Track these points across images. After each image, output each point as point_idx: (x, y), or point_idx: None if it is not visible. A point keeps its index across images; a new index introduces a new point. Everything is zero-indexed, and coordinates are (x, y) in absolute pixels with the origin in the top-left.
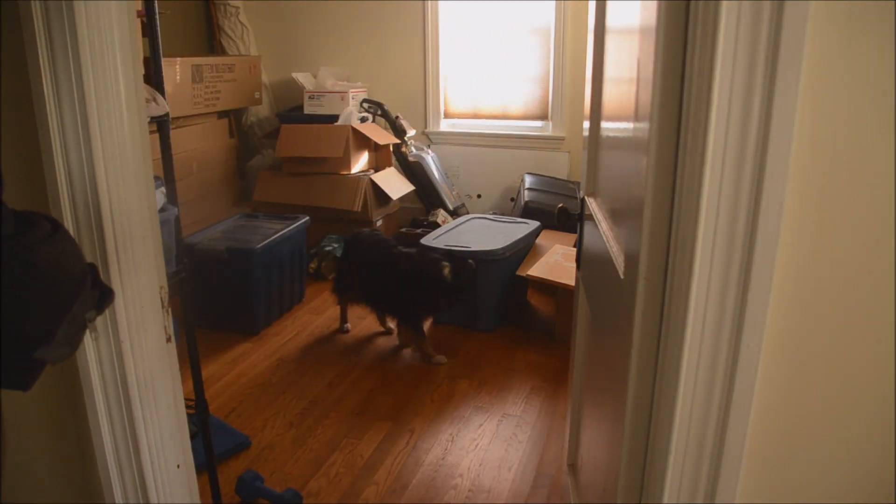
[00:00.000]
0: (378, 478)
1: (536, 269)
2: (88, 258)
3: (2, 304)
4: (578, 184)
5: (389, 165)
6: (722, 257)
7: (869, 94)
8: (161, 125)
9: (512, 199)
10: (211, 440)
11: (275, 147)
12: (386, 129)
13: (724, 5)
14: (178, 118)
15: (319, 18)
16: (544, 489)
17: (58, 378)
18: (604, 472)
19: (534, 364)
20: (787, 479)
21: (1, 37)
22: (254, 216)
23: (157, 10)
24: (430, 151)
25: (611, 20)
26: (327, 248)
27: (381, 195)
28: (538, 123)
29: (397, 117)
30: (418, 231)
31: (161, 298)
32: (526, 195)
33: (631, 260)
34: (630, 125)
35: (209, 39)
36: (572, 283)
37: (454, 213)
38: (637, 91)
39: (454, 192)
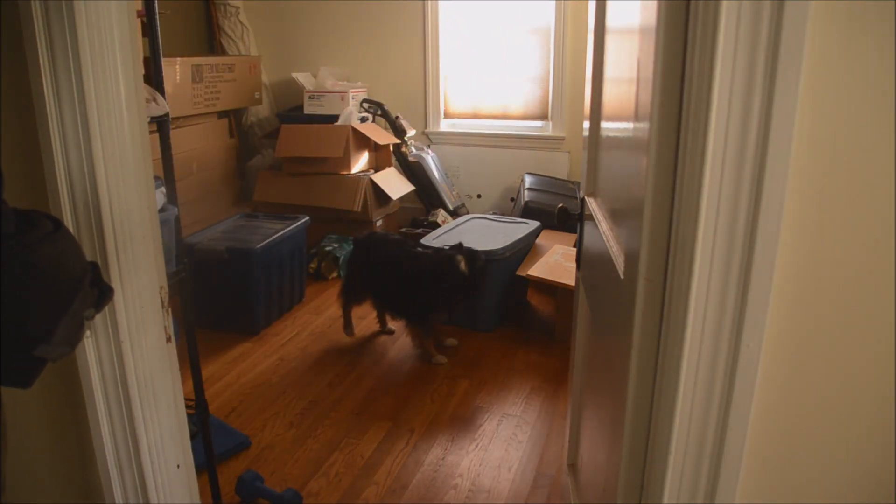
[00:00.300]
0: (378, 478)
1: (536, 269)
2: (88, 258)
3: (2, 302)
4: (578, 184)
5: (389, 165)
6: (722, 257)
7: (869, 93)
8: (161, 125)
9: (512, 199)
10: (211, 440)
11: (275, 147)
12: (386, 129)
13: (724, 5)
14: (178, 118)
15: (319, 18)
16: (544, 489)
17: (58, 378)
18: (604, 472)
19: (534, 364)
20: (787, 479)
21: (1, 37)
22: (254, 216)
23: (157, 10)
24: (430, 151)
25: (611, 20)
26: (327, 248)
27: (381, 195)
28: (538, 123)
29: (397, 117)
30: (418, 231)
31: (161, 298)
32: (526, 195)
33: (631, 260)
34: (630, 125)
35: (209, 39)
36: (572, 283)
37: (454, 213)
38: (637, 91)
39: (454, 192)
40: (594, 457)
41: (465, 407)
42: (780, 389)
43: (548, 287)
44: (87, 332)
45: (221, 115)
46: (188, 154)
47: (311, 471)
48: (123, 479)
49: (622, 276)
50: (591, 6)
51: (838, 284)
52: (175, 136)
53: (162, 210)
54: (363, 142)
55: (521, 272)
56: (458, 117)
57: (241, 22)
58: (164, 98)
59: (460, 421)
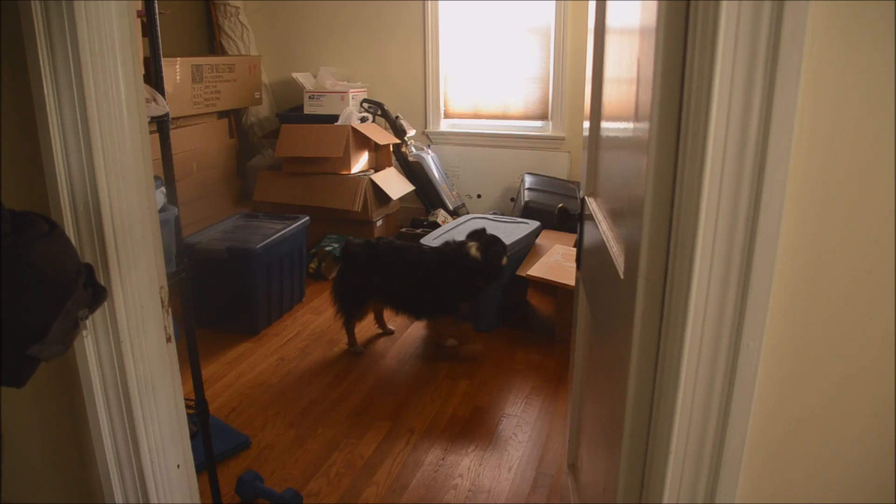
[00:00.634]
0: (378, 478)
1: (536, 269)
2: (88, 258)
3: None
4: (578, 184)
5: (389, 165)
6: (722, 257)
7: (869, 93)
8: (161, 125)
9: (512, 199)
10: (211, 440)
11: (275, 147)
12: (386, 129)
13: (724, 5)
14: (178, 118)
15: (319, 18)
16: (544, 489)
17: (57, 378)
18: (604, 472)
19: (534, 364)
20: (787, 479)
21: (1, 37)
22: (254, 216)
23: (157, 10)
24: (430, 151)
25: (611, 20)
26: (327, 248)
27: (381, 195)
28: (538, 123)
29: (397, 117)
30: (418, 231)
31: (161, 298)
32: (526, 195)
33: (631, 260)
34: (630, 125)
35: (209, 39)
36: (572, 283)
37: (454, 213)
38: (637, 91)
39: (454, 192)
40: (594, 457)
41: (465, 407)
42: (780, 389)
43: (548, 287)
44: (86, 332)
45: (221, 115)
46: (188, 154)
47: (311, 471)
48: (123, 479)
49: (622, 276)
50: (591, 6)
51: (838, 284)
52: (175, 136)
53: (162, 210)
54: (363, 142)
55: (521, 272)
56: (458, 117)
57: (241, 22)
58: (164, 98)
59: (460, 421)
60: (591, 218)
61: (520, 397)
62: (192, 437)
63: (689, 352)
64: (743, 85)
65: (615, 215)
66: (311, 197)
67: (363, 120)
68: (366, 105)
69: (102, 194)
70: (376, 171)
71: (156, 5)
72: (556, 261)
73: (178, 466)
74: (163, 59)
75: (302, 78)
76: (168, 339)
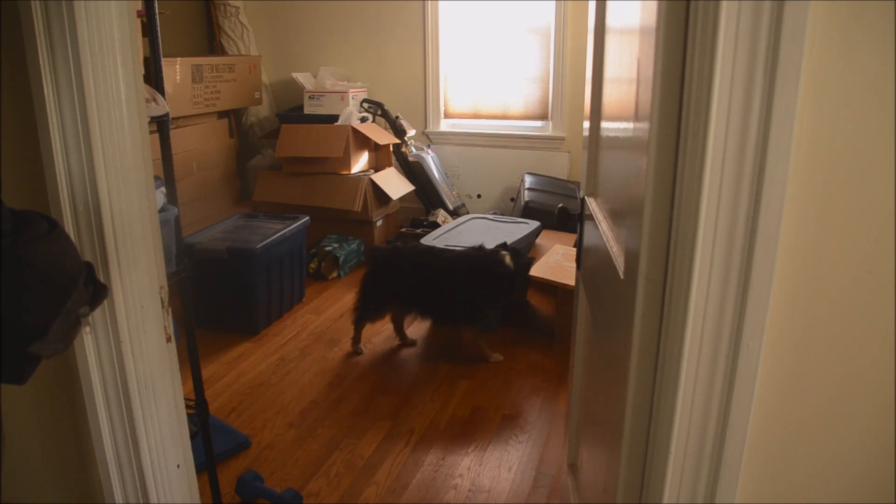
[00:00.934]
0: (378, 478)
1: (536, 269)
2: (88, 258)
3: None
4: (578, 184)
5: (389, 165)
6: (722, 257)
7: (869, 93)
8: (161, 125)
9: (512, 199)
10: (211, 440)
11: (275, 147)
12: (386, 129)
13: (724, 5)
14: (178, 118)
15: (319, 18)
16: (544, 489)
17: (57, 378)
18: (604, 472)
19: (534, 364)
20: (787, 479)
21: (1, 37)
22: (254, 216)
23: (157, 10)
24: (430, 151)
25: (611, 20)
26: (327, 248)
27: (381, 195)
28: (538, 123)
29: (397, 117)
30: (418, 231)
31: (161, 298)
32: (526, 195)
33: (631, 260)
34: (630, 125)
35: (209, 39)
36: (572, 283)
37: (454, 213)
38: (637, 91)
39: (454, 192)
40: (594, 457)
41: (465, 407)
42: (780, 389)
43: (548, 287)
44: (87, 330)
45: (221, 115)
46: (188, 154)
47: (311, 471)
48: (123, 479)
49: (622, 276)
50: (591, 6)
51: (838, 284)
52: (175, 136)
53: (162, 210)
54: (363, 142)
55: None
56: (458, 117)
57: (241, 22)
58: (164, 98)
59: (460, 421)
60: (591, 218)
61: (520, 397)
62: (192, 437)
63: (689, 352)
64: (743, 85)
65: (615, 215)
66: (311, 197)
67: (363, 120)
68: (366, 105)
69: (102, 194)
70: (376, 171)
71: (156, 5)
72: (556, 261)
73: (178, 466)
74: (163, 59)
75: (302, 78)
76: (168, 339)
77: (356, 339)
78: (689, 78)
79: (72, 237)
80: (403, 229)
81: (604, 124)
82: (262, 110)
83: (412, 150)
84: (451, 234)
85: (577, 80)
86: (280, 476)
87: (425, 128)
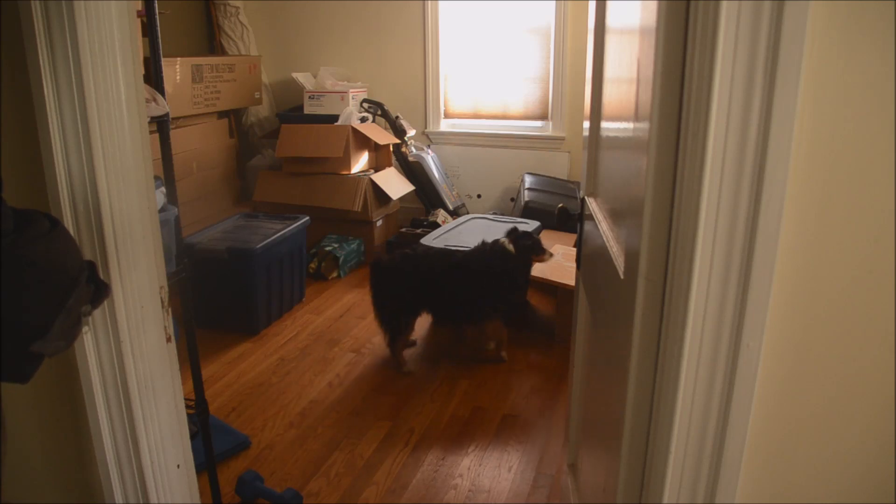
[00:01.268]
0: (378, 478)
1: (536, 269)
2: (88, 258)
3: (0, 298)
4: (578, 184)
5: (389, 165)
6: (722, 257)
7: (869, 93)
8: (161, 125)
9: (512, 199)
10: (211, 440)
11: (275, 147)
12: (386, 129)
13: (724, 5)
14: (178, 118)
15: (319, 18)
16: (544, 489)
17: (58, 378)
18: (604, 472)
19: (534, 364)
20: (787, 479)
21: (1, 37)
22: (254, 216)
23: (157, 10)
24: (430, 151)
25: (611, 20)
26: (327, 248)
27: (381, 195)
28: (538, 123)
29: (397, 117)
30: (418, 231)
31: (161, 298)
32: (526, 195)
33: (631, 260)
34: (630, 125)
35: (209, 39)
36: (572, 283)
37: (454, 213)
38: (637, 91)
39: (454, 192)
40: (594, 457)
41: (465, 407)
42: (780, 389)
43: (548, 287)
44: (87, 329)
45: (221, 115)
46: (188, 154)
47: (311, 471)
48: (123, 479)
49: (622, 276)
50: (591, 6)
51: (838, 284)
52: (175, 136)
53: (162, 210)
54: (363, 142)
55: None
56: (458, 117)
57: (241, 22)
58: (164, 98)
59: (460, 421)
60: (591, 218)
61: (520, 397)
62: (192, 437)
63: (689, 352)
64: (743, 85)
65: (615, 215)
66: (311, 197)
67: (363, 120)
68: (366, 105)
69: (102, 194)
70: (376, 171)
71: (156, 5)
72: (556, 261)
73: (178, 466)
74: (163, 59)
75: (302, 78)
76: (168, 339)
77: (401, 362)
78: (689, 78)
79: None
80: (403, 229)
81: (604, 124)
82: (262, 110)
83: (412, 150)
84: (451, 234)
85: (577, 80)
86: (280, 476)
87: (425, 128)
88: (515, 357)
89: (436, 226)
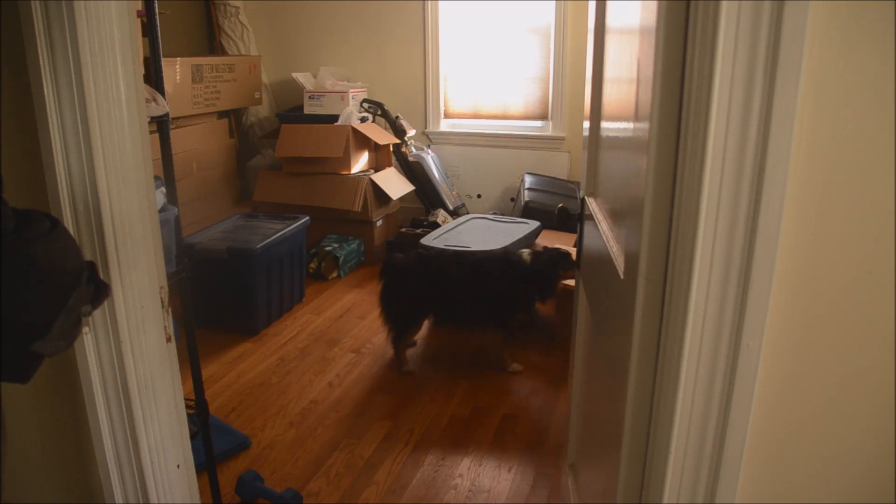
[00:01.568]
0: (378, 478)
1: None
2: (88, 258)
3: (0, 297)
4: (578, 184)
5: (389, 165)
6: (722, 257)
7: (869, 93)
8: (161, 125)
9: (512, 199)
10: (211, 440)
11: (275, 147)
12: (386, 129)
13: (724, 5)
14: (178, 118)
15: (319, 18)
16: (544, 489)
17: (58, 378)
18: (604, 473)
19: (534, 364)
20: (787, 479)
21: (1, 37)
22: (254, 216)
23: (157, 10)
24: (430, 151)
25: (611, 20)
26: (327, 248)
27: (381, 195)
28: (538, 123)
29: (397, 117)
30: (418, 231)
31: (161, 298)
32: (526, 195)
33: (631, 260)
34: (630, 125)
35: (209, 39)
36: (572, 283)
37: (454, 213)
38: (637, 91)
39: (454, 192)
40: (594, 457)
41: (464, 407)
42: (780, 389)
43: None
44: (87, 330)
45: (221, 115)
46: (188, 154)
47: (311, 471)
48: (123, 479)
49: (622, 276)
50: (591, 6)
51: (838, 284)
52: (175, 136)
53: (162, 210)
54: (363, 142)
55: None
56: (458, 117)
57: (241, 22)
58: (164, 98)
59: (460, 421)
60: (591, 218)
61: (520, 397)
62: (192, 437)
63: (689, 352)
64: (743, 85)
65: (615, 215)
66: (311, 197)
67: (363, 120)
68: (366, 105)
69: (102, 194)
70: (376, 171)
71: (156, 5)
72: None
73: (178, 466)
74: (163, 59)
75: (302, 78)
76: (168, 339)
77: (402, 361)
78: (689, 78)
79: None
80: (403, 229)
81: (604, 124)
82: (262, 110)
83: (412, 150)
84: (451, 234)
85: (577, 80)
86: (280, 476)
87: (425, 128)
88: (515, 357)
89: (436, 226)
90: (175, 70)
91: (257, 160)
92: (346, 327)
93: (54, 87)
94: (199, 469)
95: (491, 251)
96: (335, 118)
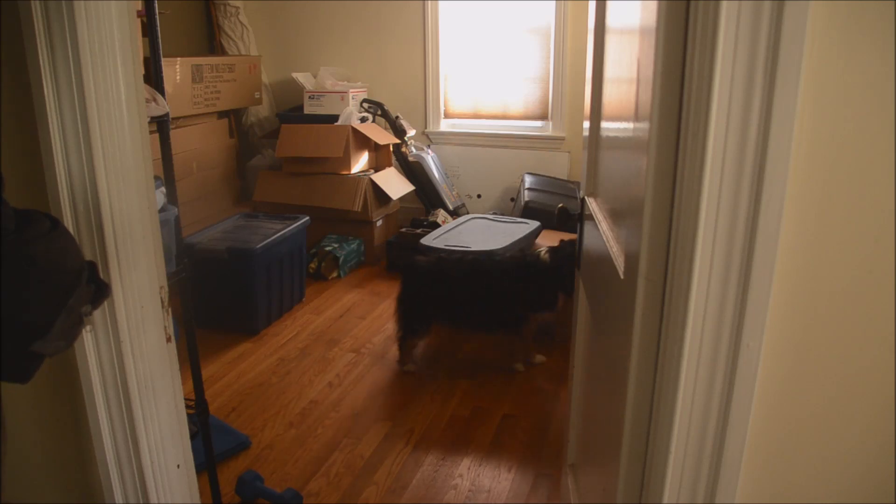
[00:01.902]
0: (378, 478)
1: None
2: (88, 258)
3: (0, 297)
4: (578, 184)
5: (389, 165)
6: (722, 257)
7: (869, 93)
8: (161, 125)
9: (512, 199)
10: (211, 440)
11: (275, 147)
12: (386, 129)
13: (724, 5)
14: (178, 118)
15: (319, 18)
16: (544, 489)
17: (58, 379)
18: (604, 473)
19: (534, 364)
20: (787, 479)
21: (1, 37)
22: (254, 216)
23: (157, 10)
24: (430, 151)
25: (611, 20)
26: (327, 248)
27: (381, 195)
28: (538, 123)
29: (397, 117)
30: (418, 231)
31: (161, 298)
32: (526, 195)
33: (631, 260)
34: (630, 125)
35: (209, 39)
36: None
37: (454, 213)
38: (637, 91)
39: (454, 192)
40: (594, 457)
41: (464, 407)
42: (780, 389)
43: None
44: (89, 328)
45: (221, 115)
46: (188, 154)
47: (311, 471)
48: (123, 479)
49: (622, 276)
50: (591, 6)
51: (838, 284)
52: (175, 136)
53: (162, 210)
54: (363, 142)
55: None
56: (458, 117)
57: (241, 22)
58: (164, 98)
59: (460, 421)
60: (591, 218)
61: (520, 397)
62: (192, 437)
63: (689, 352)
64: (743, 85)
65: (615, 215)
66: (311, 197)
67: (363, 120)
68: (366, 105)
69: (102, 194)
70: (376, 171)
71: (156, 5)
72: None
73: (178, 466)
74: (163, 59)
75: (302, 78)
76: (168, 339)
77: (405, 359)
78: (689, 78)
79: None
80: (403, 229)
81: (604, 124)
82: (262, 110)
83: (412, 150)
84: (451, 234)
85: (577, 80)
86: (280, 476)
87: (425, 128)
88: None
89: (436, 226)
90: (175, 70)
91: (257, 160)
92: (346, 327)
93: (54, 87)
94: (199, 469)
95: (511, 253)
96: (335, 118)
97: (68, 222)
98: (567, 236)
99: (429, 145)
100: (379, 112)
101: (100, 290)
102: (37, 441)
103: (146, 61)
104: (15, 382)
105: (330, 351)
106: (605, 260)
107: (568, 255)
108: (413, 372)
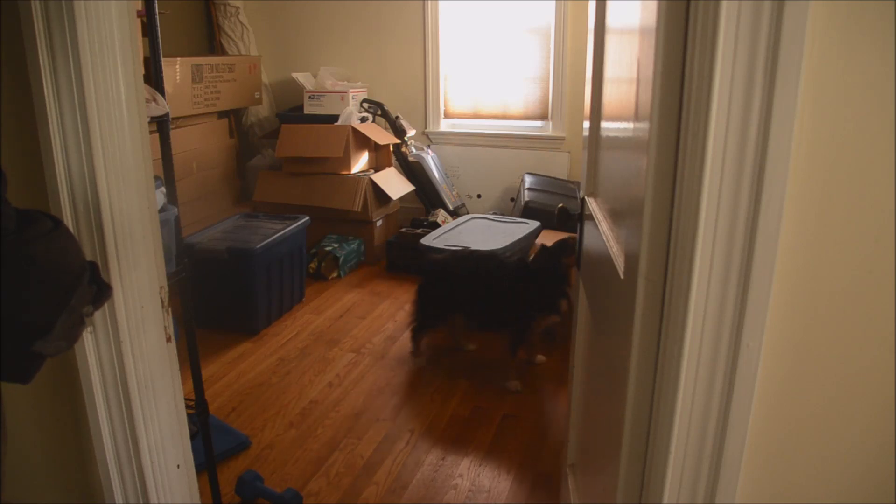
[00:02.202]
0: (378, 478)
1: None
2: (88, 258)
3: (2, 297)
4: (578, 184)
5: (389, 165)
6: (722, 257)
7: (869, 93)
8: (161, 125)
9: (512, 199)
10: (211, 440)
11: (275, 147)
12: (386, 129)
13: (724, 5)
14: (178, 118)
15: (319, 18)
16: (544, 489)
17: (58, 378)
18: (604, 473)
19: (534, 364)
20: (787, 479)
21: (1, 37)
22: (254, 216)
23: (157, 10)
24: (430, 151)
25: (611, 20)
26: (327, 248)
27: (381, 195)
28: (538, 123)
29: (397, 117)
30: (418, 231)
31: (161, 298)
32: (526, 195)
33: (631, 260)
34: (630, 125)
35: (209, 39)
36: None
37: (454, 213)
38: (637, 91)
39: (454, 192)
40: (594, 457)
41: (464, 407)
42: (780, 389)
43: None
44: (90, 328)
45: (221, 115)
46: (188, 154)
47: (311, 471)
48: (123, 479)
49: (622, 276)
50: (591, 6)
51: (838, 284)
52: (175, 136)
53: (162, 210)
54: (363, 142)
55: None
56: (458, 117)
57: (241, 22)
58: (164, 98)
59: (460, 421)
60: (591, 218)
61: (520, 397)
62: (192, 437)
63: (689, 352)
64: (743, 85)
65: (615, 215)
66: (311, 197)
67: (363, 120)
68: (366, 105)
69: (102, 194)
70: (376, 171)
71: (156, 5)
72: None
73: (178, 466)
74: (163, 59)
75: (302, 78)
76: (168, 339)
77: (416, 351)
78: (689, 78)
79: None
80: (403, 229)
81: (604, 124)
82: (262, 110)
83: (412, 150)
84: (451, 234)
85: (577, 80)
86: (280, 476)
87: (425, 128)
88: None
89: (436, 226)
90: (175, 70)
91: (257, 160)
92: (346, 327)
93: (54, 87)
94: (199, 469)
95: (535, 255)
96: (335, 118)
97: (68, 222)
98: (567, 236)
99: (429, 145)
100: (379, 112)
101: (101, 291)
102: (37, 441)
103: (146, 61)
104: (16, 382)
105: (330, 351)
106: (605, 260)
107: (557, 251)
108: (423, 366)
